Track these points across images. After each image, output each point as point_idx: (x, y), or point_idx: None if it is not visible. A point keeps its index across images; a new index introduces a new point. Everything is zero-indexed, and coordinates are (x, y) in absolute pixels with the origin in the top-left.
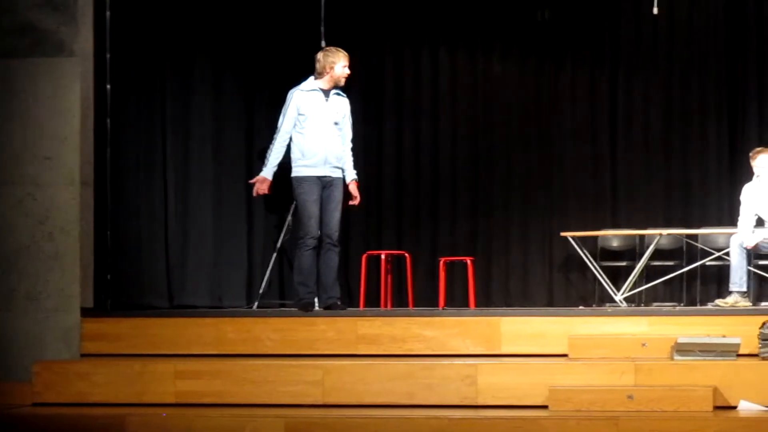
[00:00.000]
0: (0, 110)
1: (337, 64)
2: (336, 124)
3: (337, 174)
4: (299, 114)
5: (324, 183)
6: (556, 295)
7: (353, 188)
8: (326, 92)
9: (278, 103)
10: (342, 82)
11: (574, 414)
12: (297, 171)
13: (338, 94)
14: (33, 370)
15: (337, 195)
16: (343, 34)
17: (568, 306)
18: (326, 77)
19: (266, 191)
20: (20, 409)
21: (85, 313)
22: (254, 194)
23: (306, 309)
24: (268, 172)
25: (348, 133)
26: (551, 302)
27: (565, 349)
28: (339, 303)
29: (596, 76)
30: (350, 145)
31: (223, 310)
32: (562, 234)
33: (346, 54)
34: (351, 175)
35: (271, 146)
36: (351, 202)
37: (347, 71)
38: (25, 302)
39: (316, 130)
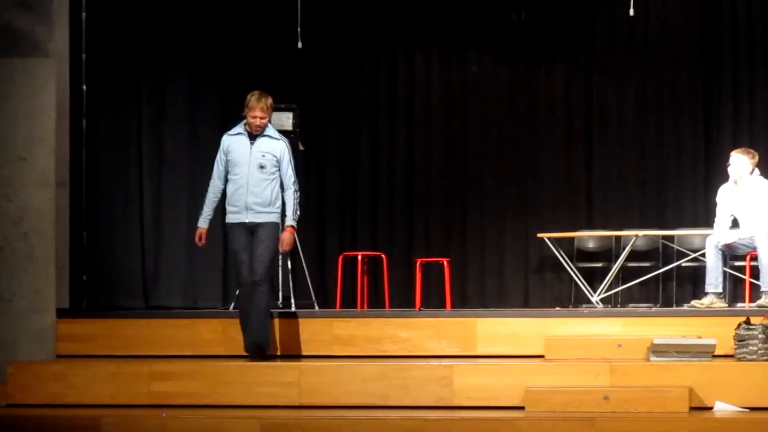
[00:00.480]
0: None
1: (249, 112)
2: (261, 167)
3: (266, 218)
4: (227, 158)
5: (250, 228)
6: (532, 296)
7: (284, 236)
8: (251, 136)
9: None
10: (255, 129)
11: (549, 415)
12: (226, 218)
13: (269, 136)
14: (7, 371)
15: (262, 235)
16: (318, 35)
17: (544, 307)
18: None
19: (203, 242)
20: None
21: (61, 313)
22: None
23: (254, 356)
24: (202, 221)
25: (286, 176)
26: (527, 303)
27: (541, 350)
28: (259, 350)
29: (572, 77)
30: (292, 188)
31: (198, 311)
32: (539, 235)
33: (261, 100)
34: (287, 222)
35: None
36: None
37: (257, 121)
38: (0, 303)
39: (239, 175)
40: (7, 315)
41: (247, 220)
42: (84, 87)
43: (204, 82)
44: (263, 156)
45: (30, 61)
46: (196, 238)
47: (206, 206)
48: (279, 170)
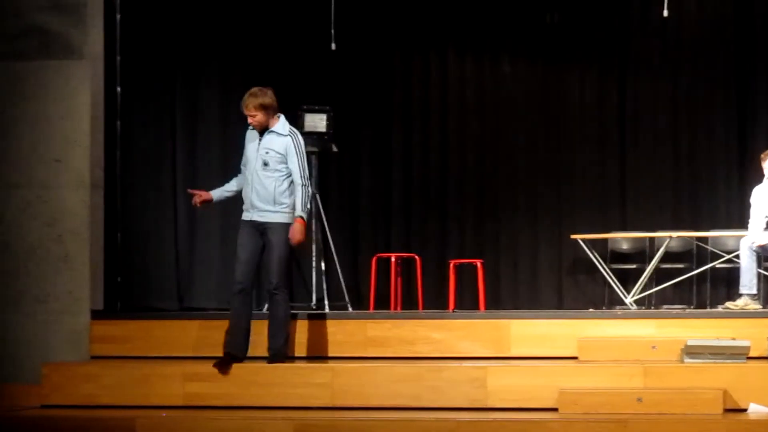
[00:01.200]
0: (10, 113)
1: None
2: (265, 165)
3: (273, 218)
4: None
5: (259, 229)
6: (566, 297)
7: (294, 226)
8: (260, 132)
9: (286, 105)
10: (255, 127)
11: (583, 416)
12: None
13: (276, 133)
14: (42, 372)
15: (273, 240)
16: (352, 37)
17: (578, 309)
18: None
19: (197, 203)
20: (28, 411)
21: (95, 315)
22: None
23: (222, 365)
24: (215, 192)
25: (294, 172)
26: (561, 305)
27: (575, 352)
28: (277, 356)
29: (605, 78)
30: (300, 183)
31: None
32: (572, 236)
33: (249, 99)
34: (295, 213)
35: None
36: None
37: (250, 120)
38: (34, 304)
39: (248, 172)
40: (42, 316)
41: (254, 219)
42: (118, 89)
43: (237, 83)
44: (267, 153)
45: (65, 63)
46: (195, 199)
47: (226, 185)
48: (288, 167)
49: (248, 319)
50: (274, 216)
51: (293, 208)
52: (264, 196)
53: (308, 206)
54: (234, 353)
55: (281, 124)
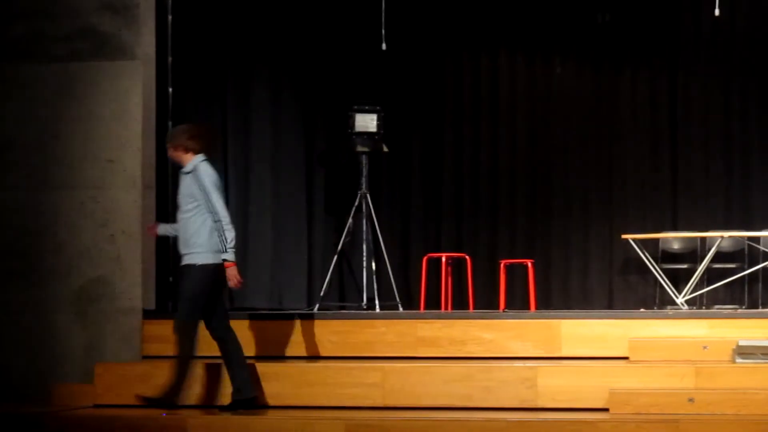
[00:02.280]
0: (63, 113)
1: None
2: (179, 207)
3: (186, 261)
4: None
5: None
6: (617, 297)
7: (227, 273)
8: (183, 172)
9: (337, 106)
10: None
11: (634, 417)
12: None
13: (184, 172)
14: (95, 371)
15: (183, 282)
16: (403, 37)
17: (629, 309)
18: None
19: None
20: (82, 411)
21: (147, 315)
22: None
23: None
24: (163, 226)
25: (213, 208)
26: (611, 305)
27: (626, 352)
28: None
29: (656, 77)
30: (220, 220)
31: (283, 313)
32: (623, 236)
33: (168, 135)
34: (223, 256)
35: None
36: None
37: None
38: (87, 304)
39: None
40: (95, 316)
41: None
42: (170, 90)
43: (288, 83)
44: (178, 194)
45: (117, 64)
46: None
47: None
48: (200, 206)
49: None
50: (187, 258)
51: (217, 249)
52: (182, 239)
53: (232, 244)
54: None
55: (191, 162)
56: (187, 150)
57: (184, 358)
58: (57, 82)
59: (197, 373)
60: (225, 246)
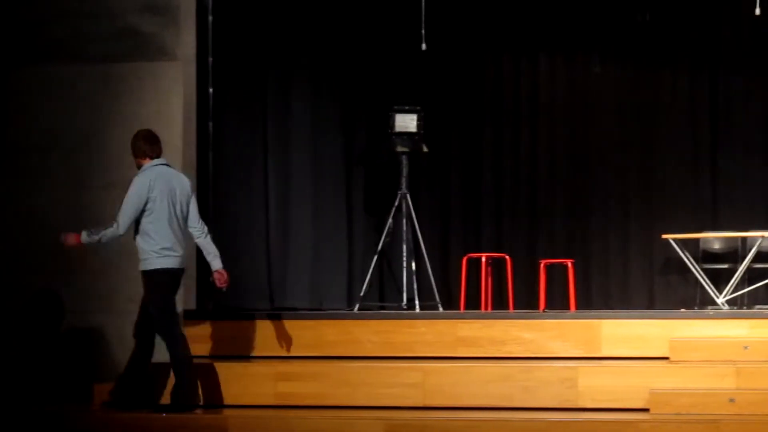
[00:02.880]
0: (103, 114)
1: None
2: None
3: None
4: None
5: None
6: (657, 297)
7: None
8: None
9: (377, 106)
10: None
11: (674, 417)
12: None
13: None
14: None
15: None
16: (443, 37)
17: (669, 309)
18: None
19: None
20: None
21: (187, 315)
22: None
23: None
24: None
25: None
26: (652, 305)
27: (666, 352)
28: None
29: (696, 77)
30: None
31: (323, 313)
32: (663, 236)
33: None
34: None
35: None
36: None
37: None
38: (127, 303)
39: None
40: (134, 316)
41: None
42: (210, 90)
43: (328, 84)
44: None
45: (158, 64)
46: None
47: None
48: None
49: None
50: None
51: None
52: None
53: (97, 235)
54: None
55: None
56: (137, 156)
57: (181, 360)
58: (98, 82)
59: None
60: (97, 233)
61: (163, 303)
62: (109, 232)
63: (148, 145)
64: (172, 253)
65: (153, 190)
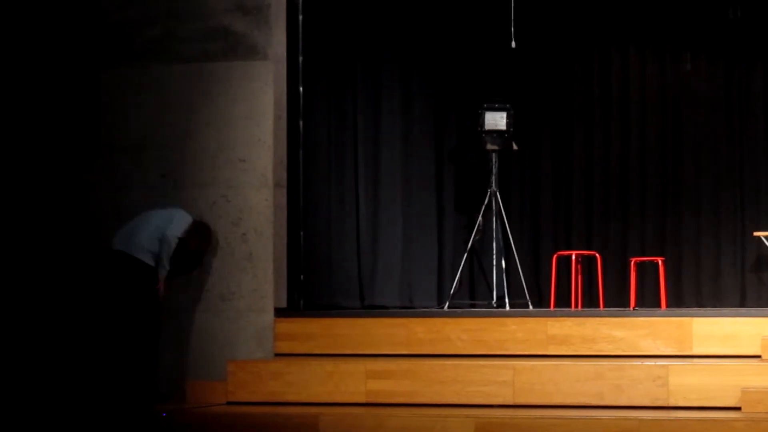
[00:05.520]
0: (195, 113)
1: None
2: None
3: None
4: None
5: None
6: (749, 295)
7: None
8: None
9: (467, 104)
10: None
11: (767, 416)
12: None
13: None
14: (227, 369)
15: None
16: (532, 34)
17: (761, 306)
18: None
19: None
20: (215, 408)
21: (279, 313)
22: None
23: None
24: None
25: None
26: (744, 303)
27: (758, 350)
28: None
29: None
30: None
31: (413, 311)
32: (755, 233)
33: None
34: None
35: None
36: None
37: None
38: (219, 302)
39: None
40: (228, 314)
41: None
42: (300, 89)
43: (417, 81)
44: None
45: (249, 64)
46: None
47: None
48: None
49: None
50: None
51: None
52: None
53: (165, 266)
54: None
55: None
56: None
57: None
58: (189, 82)
59: None
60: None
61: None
62: (164, 256)
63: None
64: None
65: None
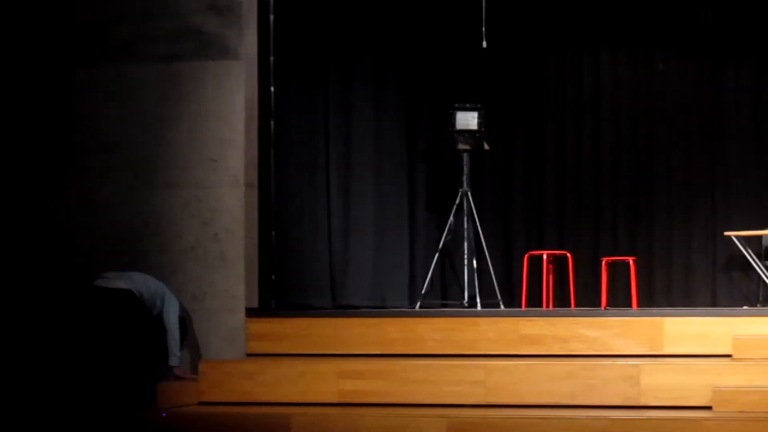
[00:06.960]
0: (166, 113)
1: None
2: None
3: None
4: None
5: None
6: (720, 295)
7: None
8: None
9: (438, 104)
10: None
11: (738, 415)
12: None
13: None
14: (199, 369)
15: None
16: (503, 34)
17: (732, 306)
18: None
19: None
20: (187, 408)
21: (251, 313)
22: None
23: None
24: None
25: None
26: (715, 302)
27: (729, 350)
28: None
29: (760, 73)
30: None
31: (385, 310)
32: (726, 233)
33: None
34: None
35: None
36: None
37: None
38: (192, 302)
39: None
40: (199, 314)
41: None
42: (272, 88)
43: (389, 82)
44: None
45: (220, 63)
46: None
47: None
48: None
49: None
50: None
51: None
52: None
53: (177, 351)
54: None
55: None
56: None
57: None
58: (161, 82)
59: None
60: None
61: None
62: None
63: None
64: None
65: None
